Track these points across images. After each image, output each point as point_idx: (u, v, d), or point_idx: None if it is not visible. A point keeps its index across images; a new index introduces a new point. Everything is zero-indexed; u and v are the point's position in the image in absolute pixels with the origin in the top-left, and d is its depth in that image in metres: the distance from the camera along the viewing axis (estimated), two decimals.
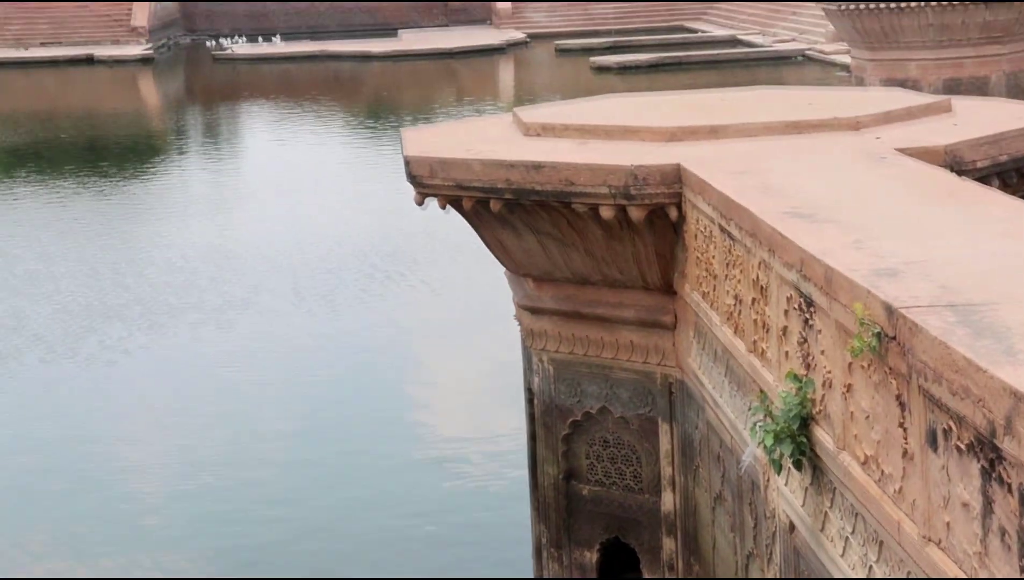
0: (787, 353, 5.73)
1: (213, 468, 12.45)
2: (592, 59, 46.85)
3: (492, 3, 67.58)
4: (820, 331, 5.19)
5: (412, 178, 8.61)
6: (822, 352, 5.19)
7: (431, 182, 8.51)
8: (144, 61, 57.94)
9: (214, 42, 62.31)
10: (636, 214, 7.62)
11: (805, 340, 5.42)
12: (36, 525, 11.29)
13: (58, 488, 12.07)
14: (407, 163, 8.62)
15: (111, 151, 33.45)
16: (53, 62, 58.11)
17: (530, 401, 9.38)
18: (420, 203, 8.76)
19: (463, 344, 16.33)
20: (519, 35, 60.25)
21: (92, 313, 17.14)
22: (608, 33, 59.06)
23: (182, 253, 20.37)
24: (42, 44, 61.52)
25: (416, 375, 15.36)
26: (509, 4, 65.91)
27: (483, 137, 9.12)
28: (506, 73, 51.40)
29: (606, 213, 7.70)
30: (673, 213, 7.59)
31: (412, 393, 14.74)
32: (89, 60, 58.02)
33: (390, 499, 11.62)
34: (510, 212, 8.25)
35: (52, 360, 15.37)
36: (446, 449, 12.92)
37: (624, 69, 44.87)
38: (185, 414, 13.96)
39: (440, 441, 13.20)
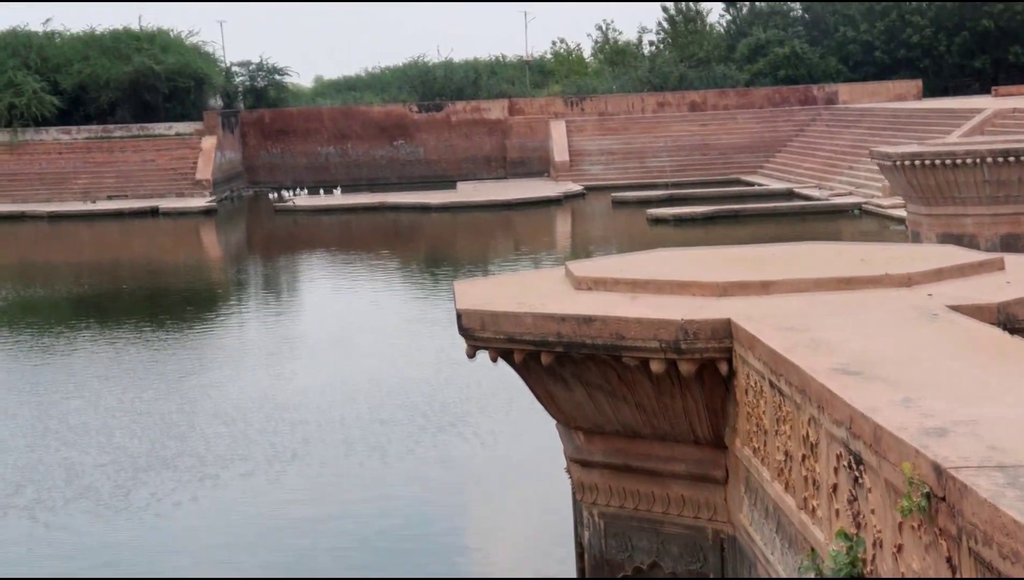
0: (837, 511, 5.66)
1: None
2: (648, 211, 47.22)
3: (550, 156, 68.55)
4: (870, 490, 5.13)
5: (464, 331, 8.67)
6: (872, 511, 5.12)
7: (482, 335, 8.57)
8: (207, 213, 59.07)
9: (275, 194, 63.46)
10: (686, 368, 7.62)
11: (855, 498, 5.36)
12: None
13: None
14: (459, 316, 8.69)
15: (170, 302, 33.91)
16: (119, 214, 59.36)
17: (580, 555, 9.29)
18: (471, 355, 8.82)
19: (514, 496, 16.22)
20: (576, 187, 60.96)
21: (143, 464, 17.20)
22: (664, 185, 59.64)
23: (235, 403, 20.48)
24: (109, 197, 62.93)
25: (467, 527, 15.24)
26: (567, 157, 66.83)
27: (535, 290, 9.19)
28: (563, 224, 51.86)
29: (656, 367, 7.71)
30: (723, 368, 7.58)
31: (463, 545, 14.61)
32: (154, 212, 59.25)
33: None
34: (560, 365, 8.27)
35: (102, 512, 15.38)
36: None
37: (680, 221, 45.16)
38: (235, 567, 13.89)
39: None
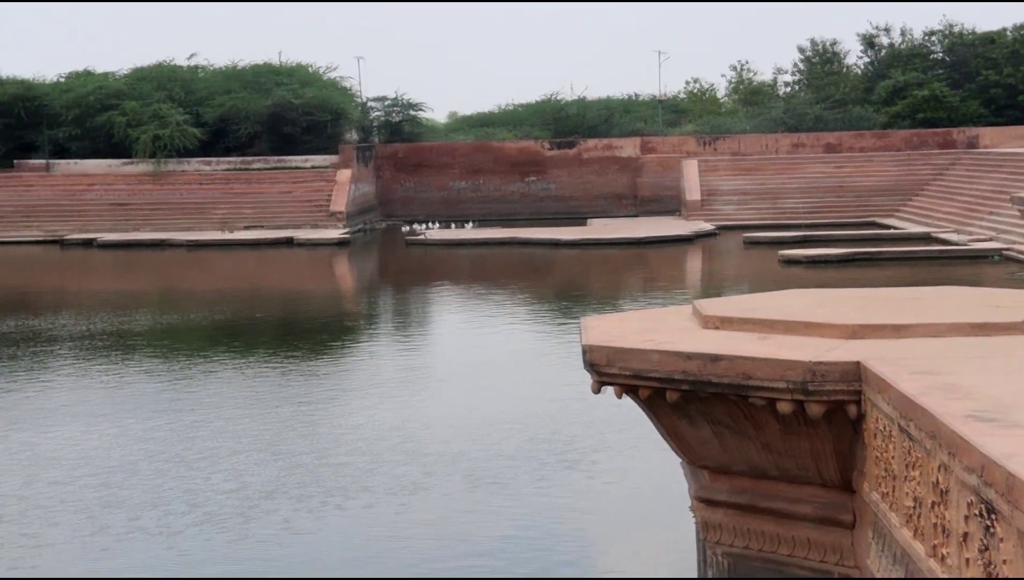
0: (968, 560, 5.56)
1: None
2: (781, 252, 46.78)
3: (682, 194, 68.36)
4: (1002, 539, 5.04)
5: (590, 366, 8.71)
6: (1004, 561, 5.03)
7: (608, 370, 8.59)
8: (340, 244, 59.98)
9: (408, 227, 64.18)
10: (814, 410, 7.55)
11: (987, 547, 5.26)
12: None
13: None
14: (585, 351, 8.74)
15: (302, 331, 34.46)
16: (255, 244, 60.56)
17: None
18: (597, 391, 8.86)
19: (638, 534, 16.14)
20: (708, 226, 60.69)
21: (267, 492, 17.46)
22: (798, 227, 59.06)
23: (361, 434, 20.72)
24: (246, 227, 64.25)
25: (590, 565, 15.20)
26: (699, 196, 66.59)
27: (662, 327, 9.19)
28: (693, 263, 51.60)
29: (784, 407, 7.65)
30: (852, 410, 7.50)
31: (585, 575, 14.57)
32: (289, 242, 60.33)
33: None
34: (687, 402, 8.25)
35: (222, 539, 15.62)
36: None
37: (813, 262, 44.65)
38: None
39: None
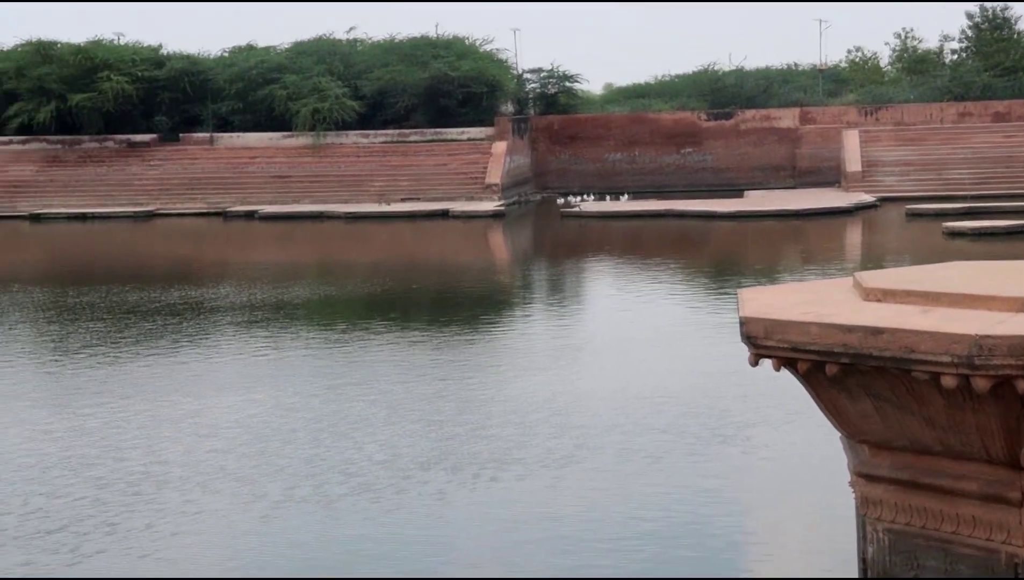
0: None
1: None
2: (945, 224, 45.56)
3: (842, 166, 67.07)
4: None
5: (747, 338, 8.50)
6: None
7: (766, 343, 8.36)
8: (495, 216, 60.22)
9: (563, 199, 64.14)
10: (980, 385, 7.24)
11: None
12: None
13: None
14: (742, 323, 8.52)
15: (457, 302, 34.67)
16: (411, 216, 61.16)
17: (863, 571, 8.96)
18: (754, 363, 8.64)
19: (795, 509, 15.84)
20: (868, 198, 59.45)
21: (420, 462, 17.54)
22: (963, 198, 57.47)
23: (515, 406, 20.71)
24: (402, 199, 64.91)
25: (745, 539, 14.96)
26: (859, 167, 65.25)
27: (821, 299, 8.92)
28: (852, 235, 50.57)
29: (948, 382, 7.35)
30: (1021, 386, 7.18)
31: (741, 556, 14.34)
32: (444, 214, 60.78)
33: None
34: (846, 376, 8.00)
35: (375, 508, 15.72)
36: None
37: (979, 235, 43.38)
38: (507, 568, 14.01)
39: None
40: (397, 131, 71.36)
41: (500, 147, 67.63)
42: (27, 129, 72.01)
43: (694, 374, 22.66)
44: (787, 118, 73.43)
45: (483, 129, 69.96)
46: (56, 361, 26.07)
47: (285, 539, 14.91)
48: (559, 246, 51.18)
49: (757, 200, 60.54)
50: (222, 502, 16.12)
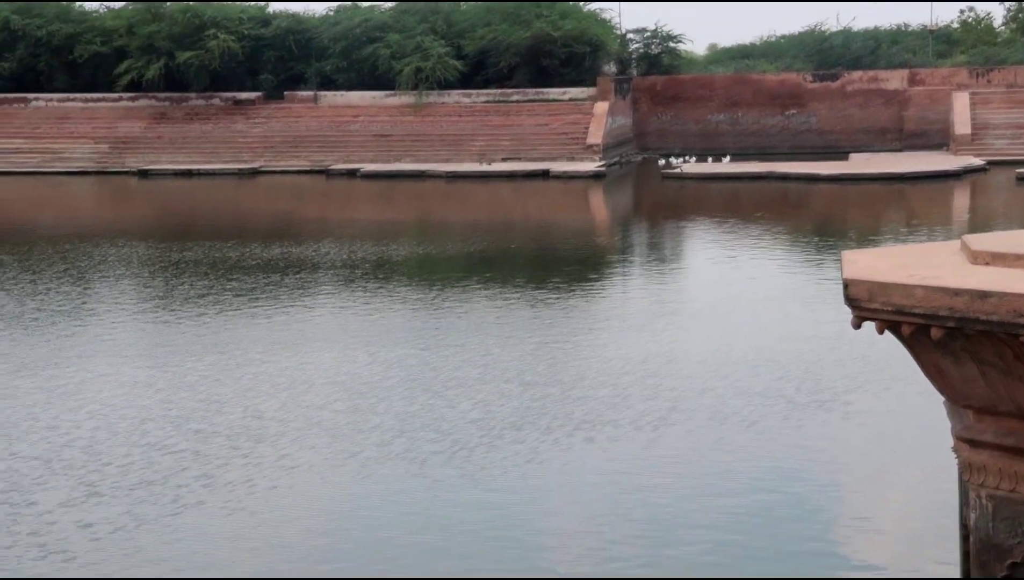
0: None
1: None
2: None
3: (950, 128, 65.76)
4: None
5: (850, 300, 8.33)
6: None
7: (869, 306, 8.17)
8: (596, 177, 59.93)
9: (664, 160, 63.65)
10: None
11: None
12: None
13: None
14: (845, 285, 8.34)
15: (556, 263, 34.55)
16: (511, 176, 61.08)
17: (965, 538, 8.73)
18: (857, 326, 8.49)
19: (895, 474, 15.54)
20: (977, 161, 58.19)
21: (513, 423, 17.48)
22: None
23: (610, 366, 20.58)
24: (503, 159, 64.80)
25: (844, 507, 14.71)
26: (969, 130, 63.89)
27: (927, 262, 8.68)
28: (960, 199, 49.55)
29: None
30: None
31: (840, 524, 14.10)
32: (544, 174, 60.61)
33: None
34: (951, 340, 7.76)
35: (472, 469, 15.70)
36: None
37: None
38: (599, 524, 13.92)
39: (867, 571, 12.52)
40: (499, 91, 71.21)
41: (602, 107, 67.22)
42: (136, 86, 73.07)
43: (792, 338, 22.33)
44: (895, 80, 72.10)
45: (585, 89, 69.54)
46: (159, 316, 26.43)
47: (379, 496, 14.95)
48: (659, 207, 50.81)
49: (861, 163, 59.56)
50: (317, 458, 16.22)
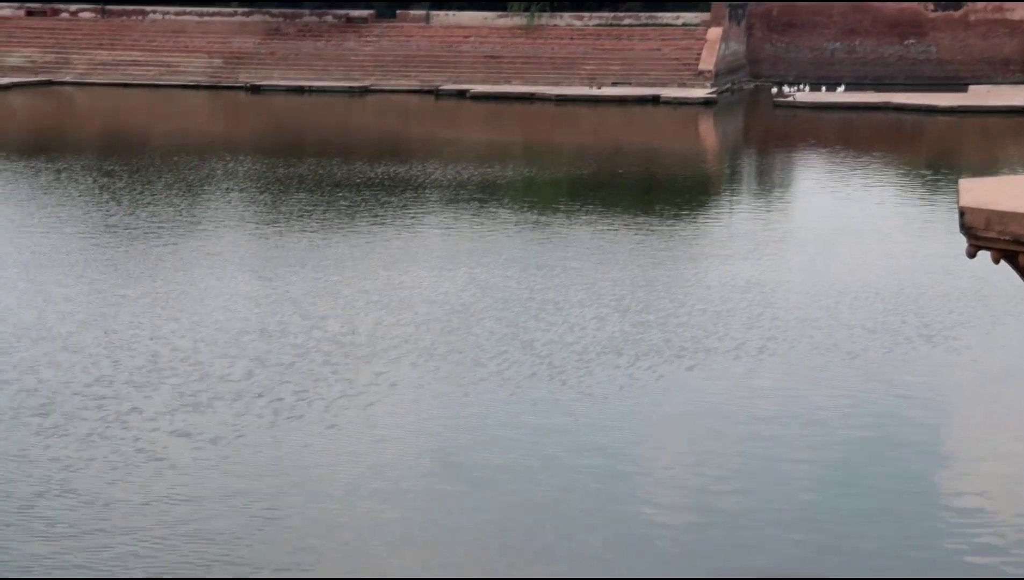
0: None
1: (726, 523, 12.14)
2: None
3: None
4: None
5: (965, 229, 8.20)
6: None
7: (985, 234, 8.04)
8: (706, 103, 59.10)
9: (776, 88, 62.55)
10: None
11: None
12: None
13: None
14: (961, 213, 8.22)
15: (663, 189, 34.21)
16: (621, 100, 60.46)
17: None
18: (972, 255, 8.38)
19: (999, 411, 15.17)
20: None
21: (609, 348, 17.34)
22: None
23: (715, 293, 20.34)
24: (613, 84, 64.15)
25: (942, 439, 14.40)
26: None
27: None
28: None
29: None
30: None
31: (938, 455, 13.81)
32: (655, 100, 59.90)
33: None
34: None
35: (566, 394, 15.62)
36: (980, 528, 11.94)
37: None
38: (693, 454, 13.79)
39: (971, 515, 12.23)
40: (611, 14, 70.34)
41: (715, 33, 66.13)
42: (250, 1, 73.44)
43: (900, 271, 21.88)
44: (1020, 9, 70.00)
45: (698, 14, 68.41)
46: (263, 231, 26.64)
47: (472, 416, 14.96)
48: (769, 136, 50.04)
49: (981, 95, 57.97)
50: (413, 377, 16.27)
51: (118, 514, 11.83)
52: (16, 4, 73.60)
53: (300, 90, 66.24)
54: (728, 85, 65.81)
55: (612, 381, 16.02)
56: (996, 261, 8.19)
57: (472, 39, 70.29)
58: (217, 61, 70.93)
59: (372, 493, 12.61)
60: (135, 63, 70.82)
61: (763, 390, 15.84)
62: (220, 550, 11.10)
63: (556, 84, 65.00)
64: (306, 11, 73.81)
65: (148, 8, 74.23)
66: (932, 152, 43.45)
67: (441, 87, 66.12)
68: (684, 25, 68.46)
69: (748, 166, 41.85)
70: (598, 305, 19.65)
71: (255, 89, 67.12)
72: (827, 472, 13.31)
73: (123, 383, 15.75)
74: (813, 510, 12.37)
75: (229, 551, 11.04)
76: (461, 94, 64.16)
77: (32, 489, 12.41)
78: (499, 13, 71.15)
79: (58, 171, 33.80)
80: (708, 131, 53.71)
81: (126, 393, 15.38)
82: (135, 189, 31.33)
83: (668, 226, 27.61)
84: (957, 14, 71.52)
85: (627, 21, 69.67)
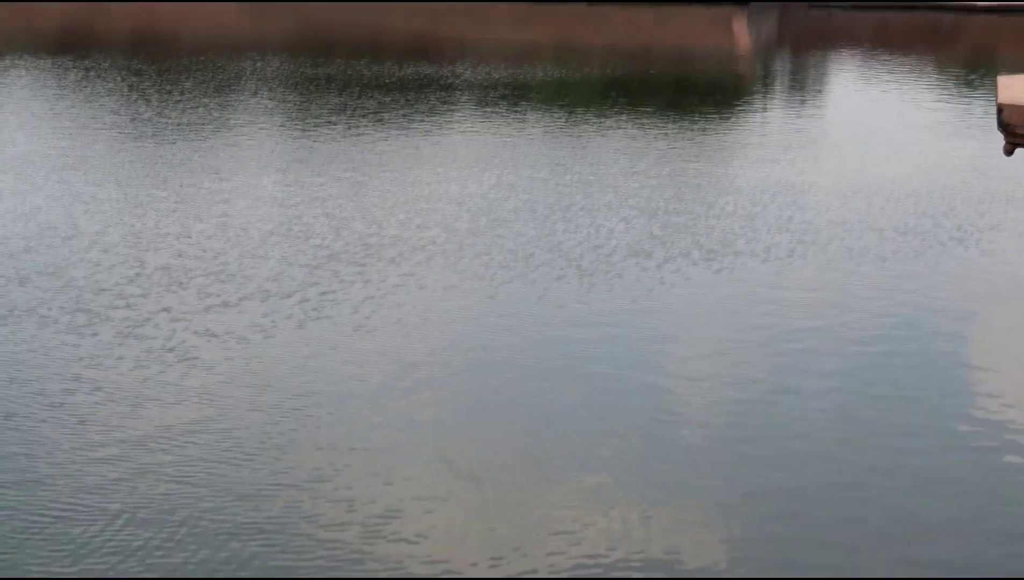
0: None
1: (749, 423, 12.08)
2: None
3: None
4: None
5: (1003, 126, 8.03)
6: None
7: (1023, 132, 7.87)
8: (739, 3, 58.36)
9: None
10: None
11: None
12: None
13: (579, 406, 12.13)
14: (999, 110, 8.04)
15: (693, 90, 33.86)
16: (653, 0, 59.76)
17: None
18: (1009, 152, 8.23)
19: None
20: None
21: (636, 250, 17.23)
22: None
23: (747, 195, 20.20)
24: None
25: (972, 346, 14.29)
26: None
27: None
28: None
29: None
30: None
31: (966, 364, 13.71)
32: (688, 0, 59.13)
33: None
34: None
35: (594, 296, 15.56)
36: (1004, 437, 11.86)
37: None
38: (720, 352, 13.73)
39: (993, 424, 12.16)
40: None
41: None
42: None
43: (932, 172, 21.64)
44: None
45: None
46: (290, 132, 26.55)
47: (500, 318, 14.91)
48: (804, 36, 49.38)
49: None
50: (440, 278, 16.21)
51: (149, 412, 11.87)
52: None
53: None
54: None
55: (640, 283, 15.94)
56: None
57: None
58: None
59: (401, 393, 12.60)
60: None
61: (791, 292, 15.74)
62: (250, 449, 11.14)
63: None
64: None
65: None
66: (970, 51, 42.82)
67: None
68: None
69: (781, 67, 41.36)
70: (627, 207, 19.53)
71: None
72: (854, 373, 13.21)
73: (152, 283, 15.77)
74: (843, 418, 12.28)
75: (259, 450, 11.07)
76: None
77: (62, 386, 12.47)
78: None
79: (86, 69, 33.70)
80: (741, 31, 53.00)
81: (155, 293, 15.40)
82: (164, 88, 31.22)
83: (699, 128, 27.35)
84: None
85: None
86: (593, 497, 10.05)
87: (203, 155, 23.34)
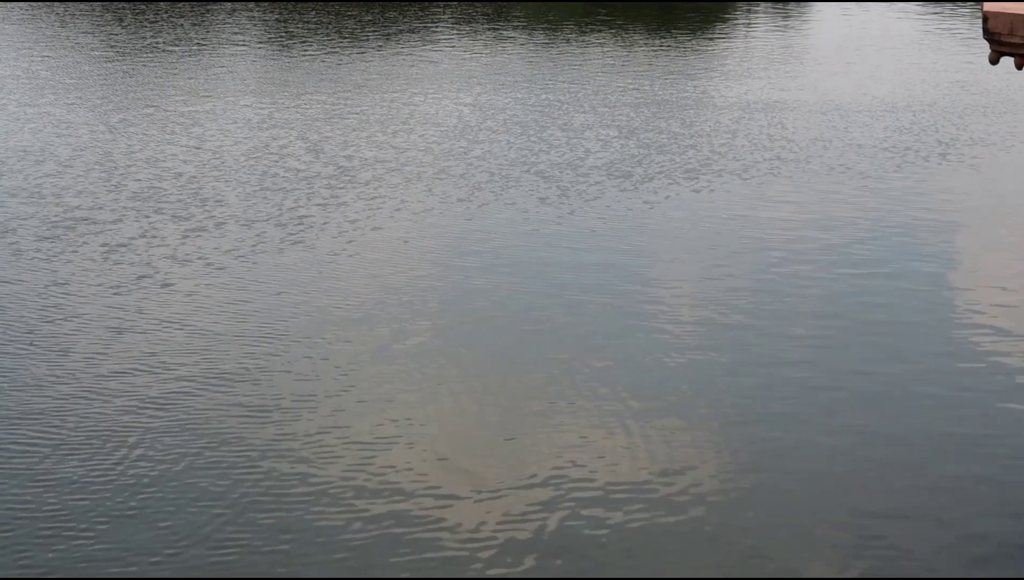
0: None
1: (739, 347, 11.94)
2: None
3: None
4: None
5: (988, 34, 7.88)
6: None
7: (1009, 40, 7.73)
8: None
9: None
10: None
11: None
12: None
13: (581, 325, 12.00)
14: (985, 19, 7.89)
15: (677, 4, 33.47)
16: None
17: None
18: (995, 61, 8.10)
19: (1011, 232, 14.91)
20: None
21: (612, 172, 17.08)
22: None
23: (720, 115, 20.00)
24: None
25: (956, 261, 14.16)
26: None
27: None
28: None
29: None
30: None
31: (950, 278, 13.60)
32: None
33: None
34: None
35: (572, 214, 15.44)
36: (995, 340, 11.74)
37: None
38: (702, 265, 13.58)
39: (978, 337, 12.03)
40: None
41: None
42: None
43: (917, 86, 21.44)
44: None
45: None
46: (266, 51, 26.13)
47: (479, 239, 14.70)
48: None
49: None
50: (418, 200, 15.98)
51: (128, 341, 11.63)
52: None
53: None
54: None
55: (618, 202, 15.77)
56: (1020, 67, 7.98)
57: None
58: None
59: (384, 320, 12.37)
60: None
61: (772, 203, 15.58)
62: (232, 366, 10.97)
63: None
64: None
65: None
66: None
67: None
68: None
69: None
70: (606, 126, 19.30)
71: None
72: (829, 285, 13.08)
73: (126, 208, 15.49)
74: (825, 329, 12.14)
75: (240, 377, 10.88)
76: None
77: (39, 314, 12.24)
78: None
79: None
80: None
81: (130, 217, 15.13)
82: (137, 8, 30.69)
83: (681, 44, 27.05)
84: None
85: None
86: (578, 417, 9.99)
87: (177, 77, 22.98)
